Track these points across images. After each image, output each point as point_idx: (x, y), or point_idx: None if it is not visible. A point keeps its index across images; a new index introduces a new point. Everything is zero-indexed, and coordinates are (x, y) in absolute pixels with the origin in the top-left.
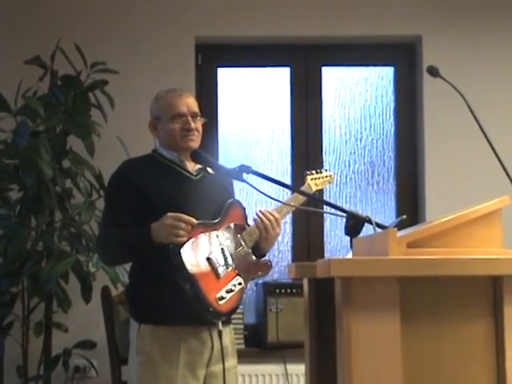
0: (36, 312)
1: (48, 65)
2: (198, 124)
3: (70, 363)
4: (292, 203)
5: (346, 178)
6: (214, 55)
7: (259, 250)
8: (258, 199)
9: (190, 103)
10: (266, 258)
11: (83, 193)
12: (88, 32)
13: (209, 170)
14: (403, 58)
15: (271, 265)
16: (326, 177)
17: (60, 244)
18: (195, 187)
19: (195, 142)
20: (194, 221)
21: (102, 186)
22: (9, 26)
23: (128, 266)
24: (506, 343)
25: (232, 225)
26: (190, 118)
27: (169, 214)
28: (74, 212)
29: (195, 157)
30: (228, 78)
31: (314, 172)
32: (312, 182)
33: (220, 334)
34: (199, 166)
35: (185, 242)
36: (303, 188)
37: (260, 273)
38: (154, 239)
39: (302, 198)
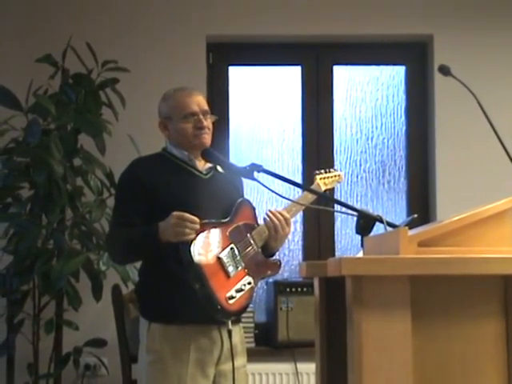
0: (47, 310)
1: (59, 63)
2: (208, 122)
3: (81, 361)
4: (302, 202)
5: (357, 177)
6: (226, 54)
7: (269, 249)
8: (268, 198)
9: (201, 101)
10: (276, 257)
11: (94, 191)
12: (99, 30)
13: (219, 168)
14: (414, 57)
15: (280, 264)
16: (335, 176)
17: (71, 242)
18: (205, 186)
19: (207, 139)
20: (197, 220)
21: (112, 185)
22: (20, 24)
23: (139, 264)
24: None
25: (242, 224)
26: (201, 117)
27: (174, 213)
28: (84, 210)
29: (206, 155)
30: (239, 77)
31: (323, 171)
32: (321, 182)
33: (230, 332)
34: (209, 165)
35: (194, 240)
36: (312, 187)
37: (269, 272)
38: (161, 238)
39: (311, 197)
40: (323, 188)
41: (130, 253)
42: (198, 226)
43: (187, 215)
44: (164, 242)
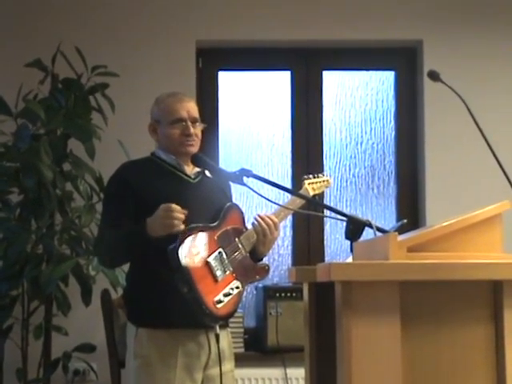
0: (36, 315)
1: (49, 68)
2: (197, 129)
3: (70, 366)
4: (290, 207)
5: (347, 181)
6: (215, 59)
7: (257, 253)
8: (258, 203)
9: (191, 108)
10: (264, 261)
11: (83, 196)
12: (89, 35)
13: (207, 173)
14: (404, 63)
15: (269, 269)
16: (324, 181)
17: (60, 247)
18: (193, 190)
19: (194, 147)
20: (184, 211)
21: (102, 189)
22: (10, 28)
23: (127, 269)
24: (506, 348)
25: (230, 228)
26: (189, 124)
27: (161, 205)
28: (74, 215)
29: (196, 160)
30: (229, 82)
31: (311, 176)
32: (309, 187)
33: (217, 337)
34: (197, 170)
35: (182, 244)
36: (301, 192)
37: (258, 277)
38: (150, 234)
39: (299, 202)
40: (311, 193)
41: (118, 253)
42: (183, 217)
43: (174, 206)
44: (153, 237)
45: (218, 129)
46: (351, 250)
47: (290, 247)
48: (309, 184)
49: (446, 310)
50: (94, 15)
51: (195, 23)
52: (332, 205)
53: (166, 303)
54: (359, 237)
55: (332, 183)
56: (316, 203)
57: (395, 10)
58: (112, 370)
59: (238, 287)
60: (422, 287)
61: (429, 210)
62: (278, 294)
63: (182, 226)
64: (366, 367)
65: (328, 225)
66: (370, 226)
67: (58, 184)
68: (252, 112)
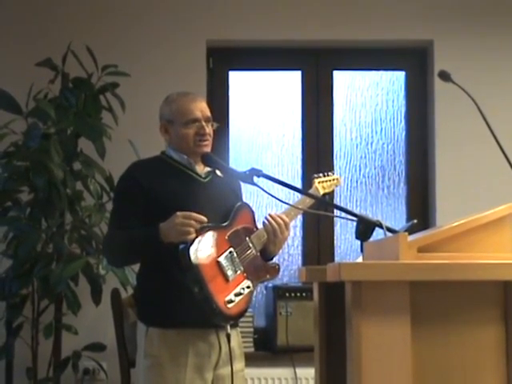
0: (46, 314)
1: (59, 67)
2: (210, 129)
3: (80, 365)
4: (300, 206)
5: (357, 182)
6: (226, 59)
7: (267, 253)
8: (268, 202)
9: (204, 108)
10: (274, 261)
11: (93, 195)
12: (100, 35)
13: (218, 172)
14: (414, 63)
15: (279, 268)
16: (333, 180)
17: (70, 246)
18: (204, 189)
19: (208, 147)
20: (205, 218)
21: (112, 189)
22: (20, 28)
23: (137, 268)
24: None
25: (241, 228)
26: (204, 123)
27: (178, 212)
28: (84, 214)
29: (206, 160)
30: (239, 82)
31: (321, 175)
32: (319, 186)
33: (228, 337)
34: (208, 169)
35: (193, 244)
36: (311, 191)
37: (268, 276)
38: (162, 239)
39: (309, 201)
40: (322, 192)
41: (130, 254)
42: (198, 225)
43: (194, 214)
44: (165, 243)
45: (228, 129)
46: (361, 250)
47: (300, 247)
48: (319, 183)
49: (456, 311)
50: (105, 15)
51: (206, 23)
52: (342, 205)
53: (176, 303)
54: (369, 237)
55: (342, 182)
56: (326, 203)
57: (406, 10)
58: (122, 370)
59: (248, 287)
60: (432, 287)
61: (439, 210)
62: (287, 294)
63: (194, 235)
64: (375, 367)
65: (338, 225)
66: (380, 226)
67: (68, 183)
68: (262, 112)
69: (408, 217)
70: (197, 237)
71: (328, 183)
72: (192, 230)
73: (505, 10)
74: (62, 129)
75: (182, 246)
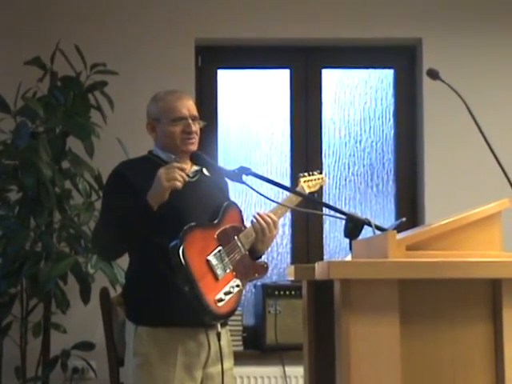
0: (35, 313)
1: (48, 66)
2: (197, 127)
3: (69, 364)
4: (288, 204)
5: (346, 180)
6: (214, 57)
7: (255, 251)
8: (257, 201)
9: (191, 106)
10: (263, 259)
11: (82, 194)
12: (88, 33)
13: (205, 171)
14: (403, 61)
15: (268, 267)
16: (319, 179)
17: (59, 245)
18: (192, 189)
19: (195, 145)
20: (186, 167)
21: (101, 187)
22: (9, 27)
23: (126, 267)
24: (505, 346)
25: (229, 227)
26: (190, 121)
27: (160, 168)
28: (73, 213)
29: (195, 159)
30: (228, 80)
31: (306, 174)
32: (305, 184)
33: (219, 335)
34: (195, 168)
35: (183, 243)
36: (296, 190)
37: (257, 275)
38: (151, 204)
39: (296, 199)
40: (307, 191)
41: (119, 235)
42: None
43: (177, 164)
44: (152, 208)
45: (217, 127)
46: (350, 249)
47: (288, 245)
48: (304, 182)
49: (445, 309)
50: (93, 13)
51: (194, 21)
52: (331, 203)
53: (165, 302)
54: (358, 235)
55: (327, 180)
56: (314, 201)
57: (395, 8)
58: (111, 368)
59: (238, 285)
60: (421, 285)
61: (428, 208)
62: (276, 292)
63: (181, 183)
64: (364, 365)
65: (327, 223)
66: (369, 224)
67: (57, 182)
68: (251, 110)
69: (397, 215)
70: (186, 235)
71: (313, 182)
72: (177, 176)
73: (493, 9)
74: (51, 127)
75: (171, 244)
